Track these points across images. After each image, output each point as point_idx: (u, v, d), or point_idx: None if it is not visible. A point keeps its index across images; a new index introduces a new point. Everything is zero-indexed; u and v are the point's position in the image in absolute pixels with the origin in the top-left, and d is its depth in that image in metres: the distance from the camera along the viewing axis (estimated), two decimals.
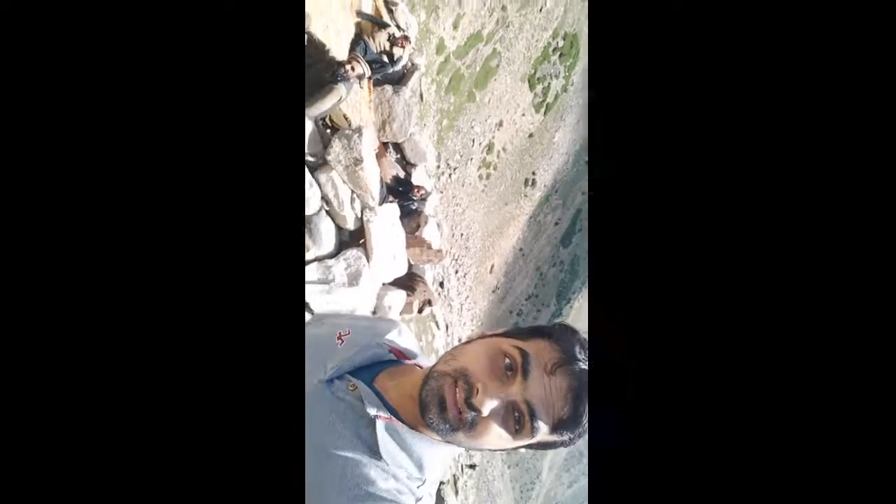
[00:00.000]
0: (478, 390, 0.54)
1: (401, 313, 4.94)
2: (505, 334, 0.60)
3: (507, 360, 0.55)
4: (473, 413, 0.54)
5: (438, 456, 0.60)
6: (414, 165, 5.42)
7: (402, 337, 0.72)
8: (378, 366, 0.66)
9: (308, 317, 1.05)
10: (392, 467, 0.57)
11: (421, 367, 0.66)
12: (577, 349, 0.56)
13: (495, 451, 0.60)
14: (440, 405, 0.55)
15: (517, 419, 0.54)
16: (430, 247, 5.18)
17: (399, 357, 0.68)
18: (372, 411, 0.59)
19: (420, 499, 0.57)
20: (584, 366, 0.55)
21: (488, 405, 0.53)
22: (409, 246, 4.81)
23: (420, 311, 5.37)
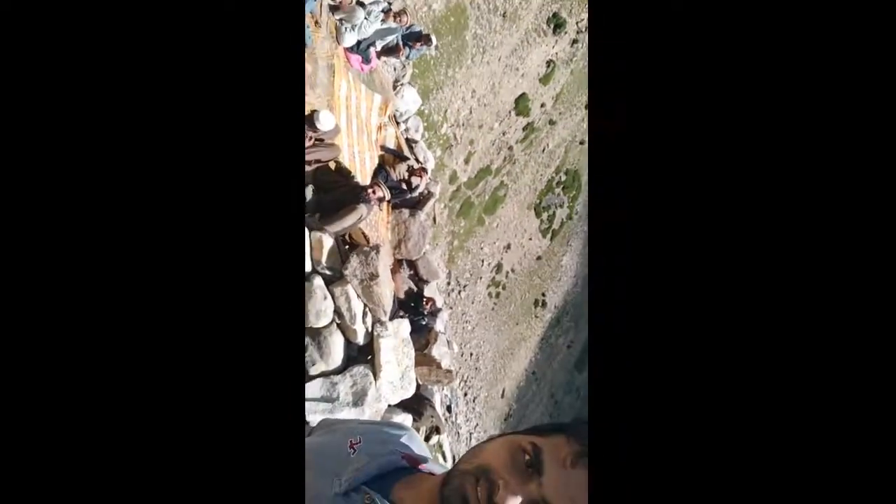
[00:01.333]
0: (499, 487, 0.54)
1: None
2: (524, 432, 0.61)
3: (528, 457, 0.56)
4: None
5: None
6: (426, 282, 5.52)
7: (414, 442, 0.73)
8: (392, 475, 0.66)
9: (312, 424, 1.03)
10: None
11: (434, 474, 0.66)
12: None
13: None
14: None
15: None
16: (439, 366, 5.04)
17: (412, 464, 0.68)
18: None
19: None
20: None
21: (511, 502, 0.53)
22: (417, 365, 4.69)
23: (427, 439, 5.03)
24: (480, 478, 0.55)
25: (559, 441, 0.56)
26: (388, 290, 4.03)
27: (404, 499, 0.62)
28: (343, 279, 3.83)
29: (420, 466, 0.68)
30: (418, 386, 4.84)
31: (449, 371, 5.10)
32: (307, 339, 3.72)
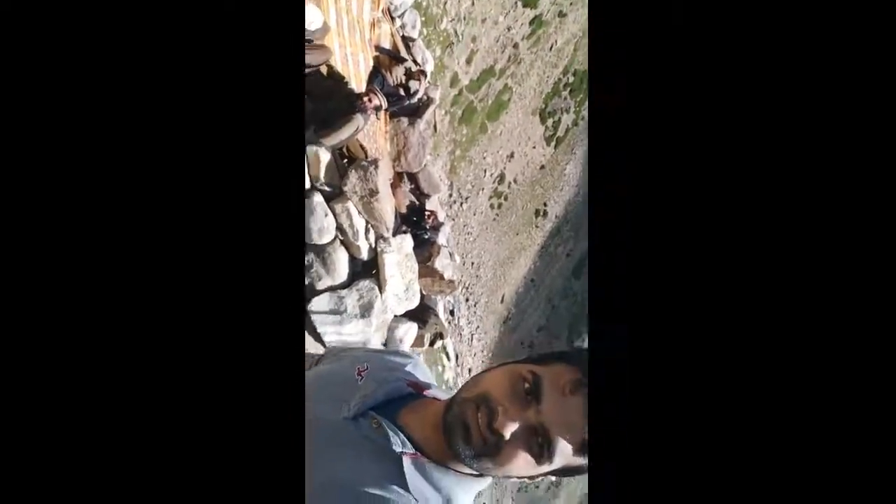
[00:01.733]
0: (499, 413, 0.55)
1: (412, 346, 4.86)
2: (525, 360, 0.62)
3: (527, 385, 0.56)
4: (496, 437, 0.55)
5: (467, 489, 0.61)
6: (428, 196, 5.45)
7: (419, 370, 0.74)
8: (398, 401, 0.67)
9: (322, 350, 1.04)
10: (419, 502, 0.57)
11: (439, 400, 0.67)
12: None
13: (524, 478, 0.60)
14: (464, 431, 0.56)
15: (539, 443, 0.55)
16: (442, 277, 5.15)
17: (417, 390, 0.69)
18: (398, 448, 0.60)
19: None
20: None
21: (510, 428, 0.54)
22: (421, 276, 4.79)
23: (432, 343, 5.30)
24: (481, 405, 0.56)
25: (558, 369, 0.57)
26: (388, 205, 3.97)
27: (409, 423, 0.63)
28: (343, 196, 3.77)
29: (424, 392, 0.69)
30: (422, 296, 4.99)
31: (451, 281, 5.22)
32: (312, 256, 3.75)
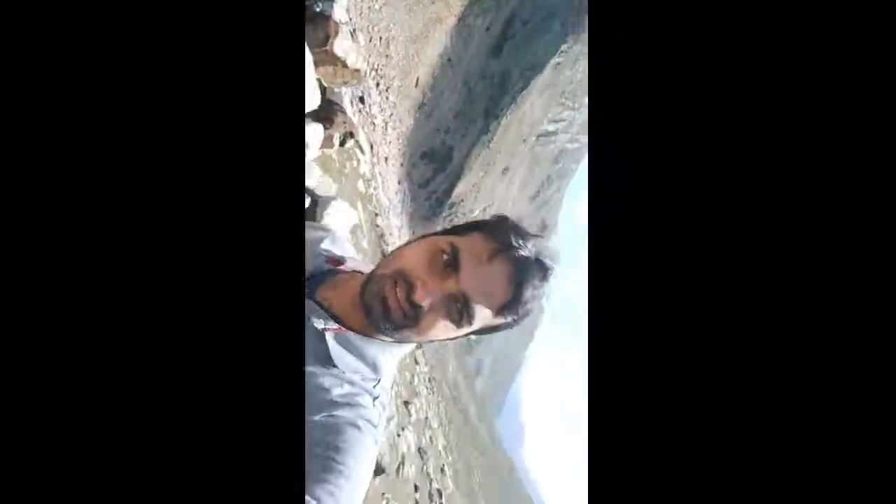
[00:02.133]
0: (417, 287, 0.55)
1: (321, 148, 4.35)
2: (443, 232, 0.61)
3: (445, 257, 0.56)
4: (415, 310, 0.55)
5: (391, 354, 0.62)
6: None
7: (337, 245, 0.72)
8: (317, 276, 0.66)
9: None
10: (347, 373, 0.58)
11: (359, 273, 0.66)
12: (513, 236, 0.57)
13: (445, 340, 0.61)
14: (383, 306, 0.56)
15: (459, 309, 0.55)
16: (345, 65, 4.35)
17: (335, 265, 0.69)
18: (319, 325, 0.59)
19: (377, 397, 0.59)
20: (521, 252, 0.56)
21: (428, 299, 0.55)
22: (319, 65, 3.97)
23: (342, 143, 4.79)
24: (398, 279, 0.56)
25: (476, 238, 0.58)
26: None
27: (330, 299, 0.62)
28: None
29: (342, 266, 0.69)
30: (324, 91, 4.26)
31: (357, 70, 4.44)
32: None
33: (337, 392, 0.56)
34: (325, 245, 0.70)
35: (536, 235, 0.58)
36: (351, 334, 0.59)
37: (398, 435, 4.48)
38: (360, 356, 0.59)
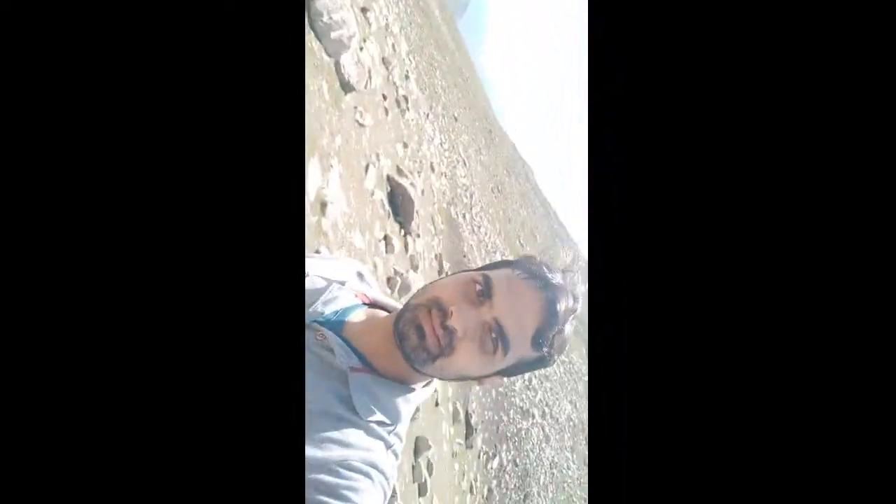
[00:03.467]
0: (452, 313, 0.55)
1: None
2: (474, 269, 0.62)
3: (479, 287, 0.57)
4: (450, 336, 0.55)
5: (409, 401, 0.61)
6: None
7: (367, 281, 0.71)
8: (343, 311, 0.64)
9: None
10: (365, 419, 0.56)
11: (388, 309, 0.66)
12: (543, 269, 0.58)
13: (477, 378, 0.59)
14: (418, 333, 0.56)
15: (493, 338, 0.55)
16: None
17: (364, 300, 0.67)
18: (344, 364, 0.58)
19: (391, 446, 0.58)
20: (551, 280, 0.57)
21: (463, 324, 0.55)
22: None
23: None
24: (433, 307, 0.56)
25: (507, 270, 0.58)
26: None
27: (357, 335, 0.60)
28: None
29: (371, 301, 0.68)
30: None
31: None
32: None
33: (352, 437, 0.55)
34: (354, 283, 0.69)
35: (565, 270, 0.59)
36: (372, 378, 0.59)
37: (360, 49, 4.33)
38: (381, 402, 0.58)
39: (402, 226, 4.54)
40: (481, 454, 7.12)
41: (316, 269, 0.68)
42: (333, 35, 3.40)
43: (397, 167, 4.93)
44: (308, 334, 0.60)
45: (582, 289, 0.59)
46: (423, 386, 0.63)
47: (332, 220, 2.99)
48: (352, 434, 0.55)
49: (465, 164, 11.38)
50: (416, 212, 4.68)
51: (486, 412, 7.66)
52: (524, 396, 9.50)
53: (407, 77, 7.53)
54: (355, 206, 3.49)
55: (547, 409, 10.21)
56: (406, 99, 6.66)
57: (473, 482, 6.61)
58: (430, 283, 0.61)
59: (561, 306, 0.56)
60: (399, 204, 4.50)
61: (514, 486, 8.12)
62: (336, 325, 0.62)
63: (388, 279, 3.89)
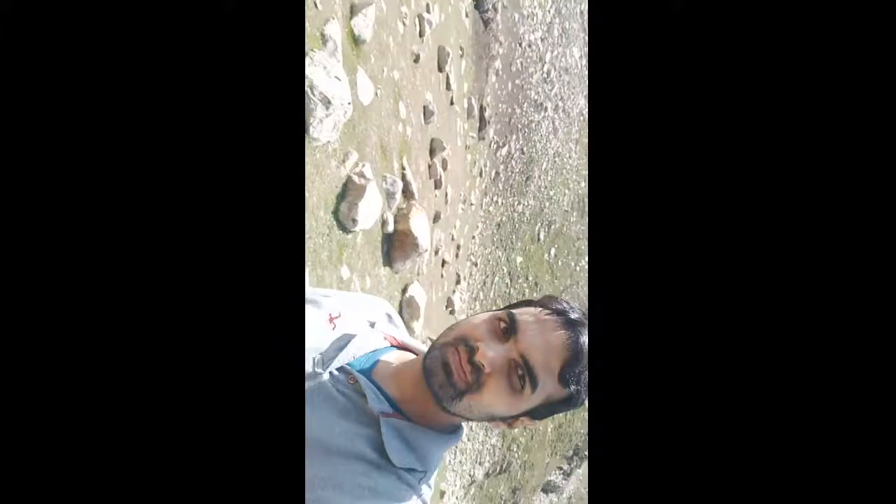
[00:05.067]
0: (478, 348, 0.56)
1: None
2: (497, 309, 0.63)
3: (503, 324, 0.58)
4: (477, 372, 0.55)
5: (440, 447, 0.62)
6: None
7: (394, 322, 0.73)
8: (374, 353, 0.65)
9: None
10: (394, 465, 0.57)
11: (416, 352, 0.67)
12: (566, 306, 0.60)
13: (506, 419, 0.60)
14: (445, 370, 0.56)
15: (520, 374, 0.56)
16: None
17: (393, 343, 0.68)
18: (376, 408, 0.58)
19: (421, 495, 0.58)
20: (574, 315, 0.58)
21: (490, 360, 0.55)
22: None
23: None
24: (459, 345, 0.56)
25: (530, 309, 0.59)
26: None
27: (387, 379, 0.61)
28: None
29: (401, 345, 0.68)
30: None
31: None
32: None
33: (382, 484, 0.54)
34: (383, 324, 0.69)
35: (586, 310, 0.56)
36: (404, 423, 0.58)
37: None
38: (412, 448, 0.58)
39: None
40: (492, 143, 7.68)
41: (346, 308, 0.68)
42: None
43: None
44: (339, 376, 0.60)
45: None
46: (451, 433, 0.63)
47: None
48: (382, 481, 0.55)
49: None
50: None
51: (500, 105, 7.82)
52: (540, 90, 9.43)
53: None
54: None
55: (560, 103, 10.30)
56: None
57: (483, 168, 7.40)
58: (456, 322, 0.62)
59: (585, 342, 0.56)
60: None
61: (519, 170, 9.09)
62: (367, 369, 0.62)
63: None
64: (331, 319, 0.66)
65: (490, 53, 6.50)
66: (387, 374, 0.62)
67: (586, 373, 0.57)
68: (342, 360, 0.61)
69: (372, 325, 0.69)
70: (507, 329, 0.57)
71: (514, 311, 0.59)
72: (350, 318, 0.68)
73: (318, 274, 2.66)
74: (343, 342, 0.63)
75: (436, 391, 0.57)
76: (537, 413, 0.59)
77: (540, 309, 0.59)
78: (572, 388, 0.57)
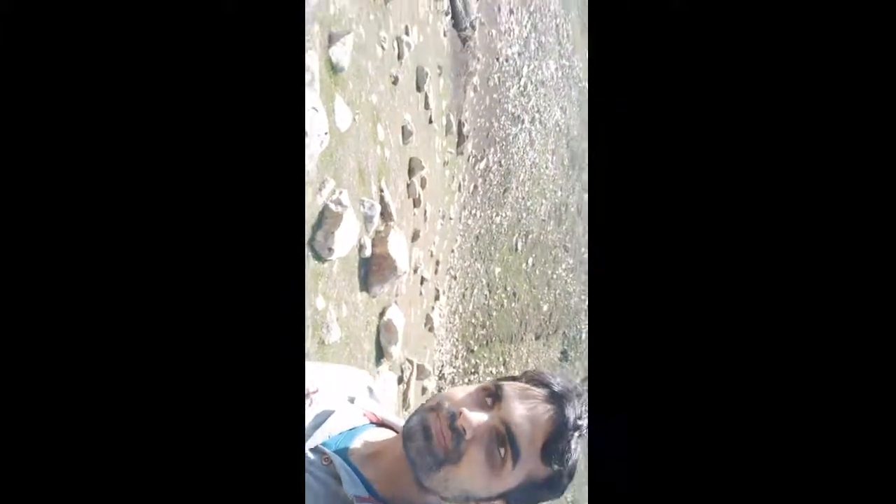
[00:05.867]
0: (461, 413, 0.54)
1: None
2: (486, 383, 0.61)
3: (489, 395, 0.57)
4: (457, 438, 0.53)
5: None
6: None
7: (374, 397, 0.70)
8: (353, 432, 0.62)
9: None
10: None
11: (395, 430, 0.64)
12: (552, 380, 0.58)
13: (483, 500, 0.56)
14: (425, 433, 0.54)
15: (502, 447, 0.54)
16: None
17: (372, 420, 0.65)
18: (350, 493, 0.56)
19: None
20: (559, 389, 0.57)
21: (472, 426, 0.53)
22: None
23: None
24: (441, 410, 0.55)
25: (516, 383, 0.59)
26: None
27: (364, 461, 0.59)
28: None
29: (379, 422, 0.65)
30: None
31: None
32: None
33: None
34: (362, 401, 0.67)
35: (574, 385, 0.57)
36: None
37: None
38: None
39: None
40: (470, 158, 7.74)
41: (324, 381, 0.65)
42: None
43: None
44: (314, 457, 0.58)
45: (586, 408, 0.56)
46: None
47: None
48: None
49: None
50: None
51: (478, 119, 7.89)
52: (517, 103, 9.56)
53: None
54: None
55: (537, 115, 10.45)
56: None
57: (462, 182, 7.42)
58: (441, 391, 0.64)
59: (570, 416, 0.54)
60: None
61: (497, 182, 9.19)
62: (343, 449, 0.60)
63: None
64: (308, 394, 0.63)
65: (468, 70, 6.57)
66: (365, 455, 0.60)
67: (570, 456, 0.54)
68: (318, 438, 0.59)
69: (351, 400, 0.66)
70: (492, 395, 0.56)
71: (499, 383, 0.58)
72: (328, 393, 0.64)
73: None
74: (320, 419, 0.61)
75: (413, 458, 0.54)
76: (515, 496, 0.56)
77: (525, 382, 0.58)
78: (555, 466, 0.54)
